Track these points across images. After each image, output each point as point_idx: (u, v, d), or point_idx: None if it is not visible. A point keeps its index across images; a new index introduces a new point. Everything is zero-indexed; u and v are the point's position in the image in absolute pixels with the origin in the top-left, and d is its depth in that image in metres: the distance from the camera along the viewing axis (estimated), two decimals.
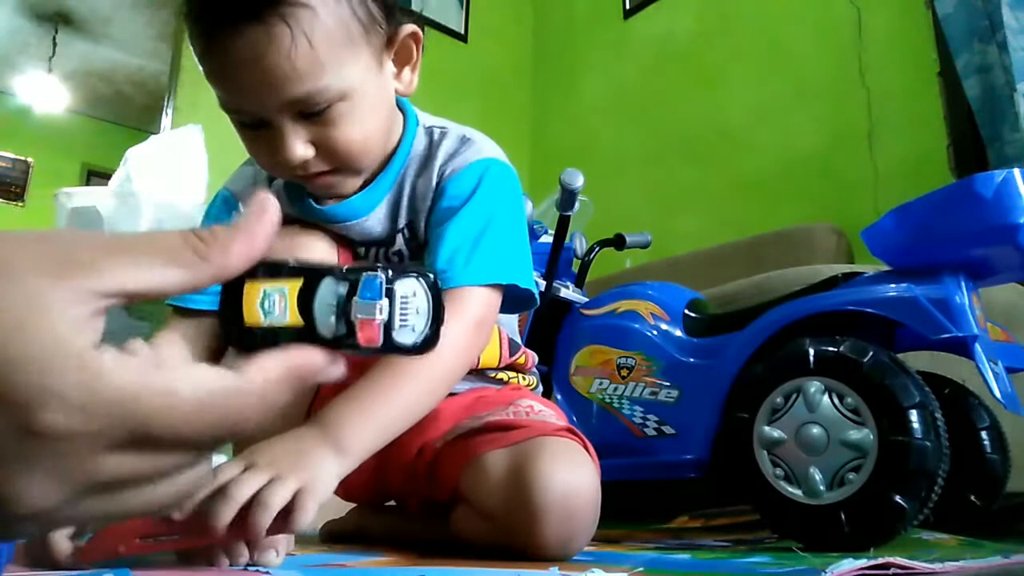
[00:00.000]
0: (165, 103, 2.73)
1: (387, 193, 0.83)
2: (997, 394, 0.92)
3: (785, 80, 2.52)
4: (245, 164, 0.90)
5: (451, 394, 0.83)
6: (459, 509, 0.80)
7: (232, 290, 0.31)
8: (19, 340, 0.22)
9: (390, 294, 0.32)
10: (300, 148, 0.71)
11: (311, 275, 0.31)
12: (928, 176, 1.97)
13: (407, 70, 0.79)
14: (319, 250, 0.82)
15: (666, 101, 2.87)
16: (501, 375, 0.94)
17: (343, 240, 0.85)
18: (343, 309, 0.31)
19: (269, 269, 0.31)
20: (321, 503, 0.56)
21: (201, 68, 0.70)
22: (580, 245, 1.60)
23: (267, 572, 0.57)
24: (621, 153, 2.97)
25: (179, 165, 1.66)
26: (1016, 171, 0.93)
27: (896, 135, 2.17)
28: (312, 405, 0.81)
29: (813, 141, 2.39)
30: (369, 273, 0.32)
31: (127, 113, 5.48)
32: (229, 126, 0.74)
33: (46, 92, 5.11)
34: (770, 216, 2.36)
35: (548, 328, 1.47)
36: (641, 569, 0.65)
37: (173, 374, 0.25)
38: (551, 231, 1.49)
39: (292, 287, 0.31)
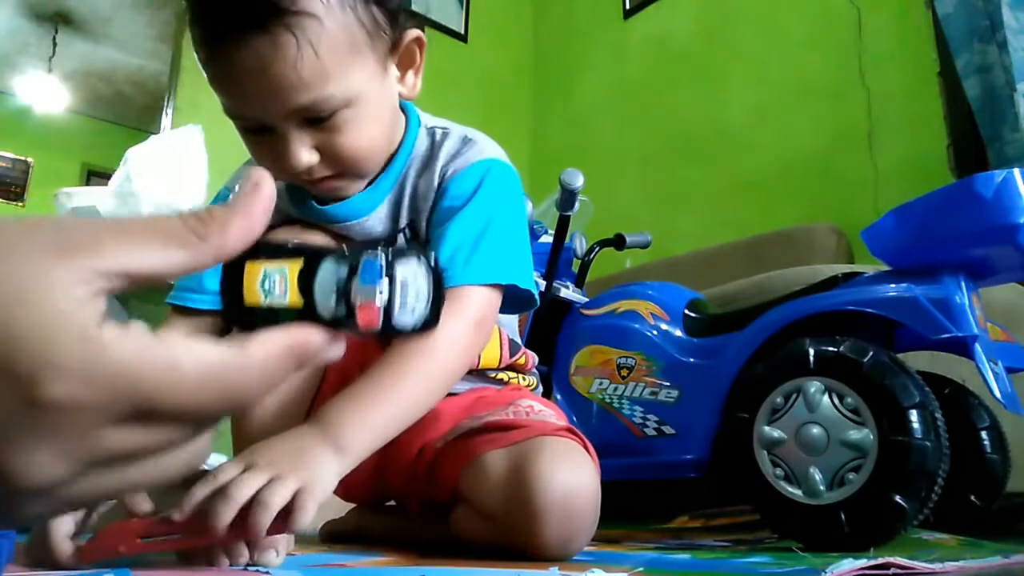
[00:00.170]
0: (165, 103, 2.73)
1: (388, 193, 0.83)
2: (997, 394, 0.92)
3: (785, 80, 2.52)
4: (246, 164, 0.90)
5: (451, 394, 0.84)
6: (459, 509, 0.80)
7: (233, 270, 0.31)
8: (22, 315, 0.22)
9: (390, 276, 0.32)
10: (305, 154, 0.71)
11: (312, 256, 0.31)
12: (928, 176, 1.97)
13: (411, 74, 0.80)
14: None
15: (666, 101, 2.87)
16: (501, 375, 0.94)
17: (344, 240, 0.85)
18: (343, 291, 0.31)
19: (270, 250, 0.31)
20: (321, 503, 0.56)
21: (204, 74, 0.69)
22: (580, 245, 1.60)
23: (267, 572, 0.57)
24: (621, 153, 2.97)
25: (179, 165, 1.66)
26: (1016, 171, 0.93)
27: (896, 135, 2.17)
28: (313, 405, 0.81)
29: (813, 141, 2.39)
30: (369, 255, 0.32)
31: (127, 113, 5.47)
32: (229, 126, 0.74)
33: (46, 92, 5.10)
34: (770, 216, 2.36)
35: (548, 328, 1.47)
36: (641, 569, 0.65)
37: (175, 348, 0.25)
38: (551, 231, 1.49)
39: (292, 267, 0.31)
